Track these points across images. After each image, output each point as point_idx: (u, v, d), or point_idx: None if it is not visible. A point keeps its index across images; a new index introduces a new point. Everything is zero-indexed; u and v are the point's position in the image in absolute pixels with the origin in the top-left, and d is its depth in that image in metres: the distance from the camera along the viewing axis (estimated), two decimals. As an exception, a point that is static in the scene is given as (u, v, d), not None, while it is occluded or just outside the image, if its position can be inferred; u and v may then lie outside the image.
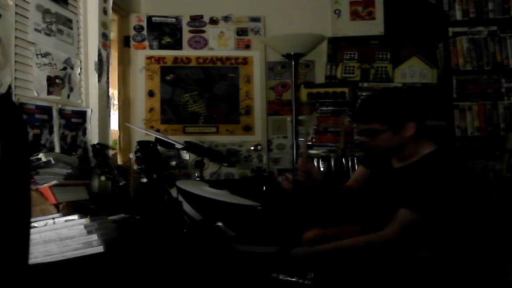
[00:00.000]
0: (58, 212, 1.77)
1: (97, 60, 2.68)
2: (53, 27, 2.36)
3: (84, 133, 2.60)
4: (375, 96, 2.01)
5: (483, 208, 1.81)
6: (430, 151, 1.78)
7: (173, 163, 3.20)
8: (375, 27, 3.44)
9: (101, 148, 2.51)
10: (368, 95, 2.08)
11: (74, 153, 2.43)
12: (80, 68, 2.60)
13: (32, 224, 1.37)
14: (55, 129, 2.32)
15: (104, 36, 2.76)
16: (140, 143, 1.99)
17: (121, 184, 2.34)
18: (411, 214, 1.69)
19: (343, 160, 3.25)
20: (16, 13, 2.07)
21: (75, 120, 2.52)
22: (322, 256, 1.74)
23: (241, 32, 3.54)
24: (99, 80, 2.69)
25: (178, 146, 2.49)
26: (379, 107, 1.80)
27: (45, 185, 1.86)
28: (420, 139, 1.81)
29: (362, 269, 1.73)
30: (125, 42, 3.48)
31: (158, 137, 2.36)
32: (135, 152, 1.97)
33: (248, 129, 3.50)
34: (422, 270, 1.72)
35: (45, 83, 2.29)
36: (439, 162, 1.75)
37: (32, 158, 1.84)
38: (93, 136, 2.64)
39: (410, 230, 1.70)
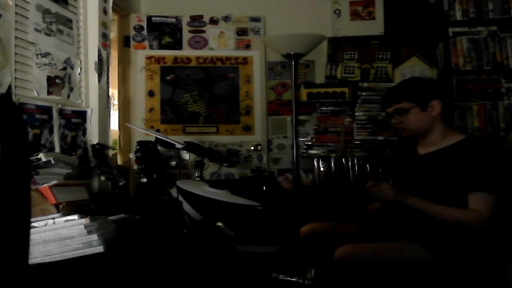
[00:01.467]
0: (58, 212, 1.77)
1: (97, 60, 2.68)
2: (53, 27, 2.36)
3: (84, 133, 2.60)
4: (402, 81, 2.15)
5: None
6: (467, 136, 1.91)
7: (173, 163, 3.20)
8: (375, 27, 3.44)
9: (101, 148, 2.51)
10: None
11: (74, 153, 2.43)
12: (80, 68, 2.60)
13: (32, 224, 1.37)
14: (55, 129, 2.32)
15: (104, 36, 2.76)
16: (140, 143, 1.99)
17: (121, 184, 2.34)
18: (490, 197, 1.73)
19: (343, 160, 3.25)
20: (16, 13, 2.07)
21: (75, 120, 2.52)
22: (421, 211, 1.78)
23: (241, 32, 3.54)
24: (99, 80, 2.70)
25: (178, 146, 2.49)
26: (405, 87, 1.99)
27: (45, 185, 1.86)
28: (448, 125, 1.94)
29: (363, 270, 1.73)
30: (125, 42, 3.48)
31: (158, 137, 2.36)
32: (135, 152, 1.97)
33: (248, 129, 3.50)
34: (423, 271, 1.72)
35: (45, 83, 2.29)
36: (486, 144, 1.87)
37: (32, 158, 1.84)
38: (93, 136, 2.64)
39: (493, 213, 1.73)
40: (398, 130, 1.98)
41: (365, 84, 3.27)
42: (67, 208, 1.85)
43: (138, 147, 1.97)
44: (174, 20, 3.50)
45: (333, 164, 3.27)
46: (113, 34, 3.15)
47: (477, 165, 1.76)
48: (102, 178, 2.49)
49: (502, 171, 1.79)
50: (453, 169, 1.79)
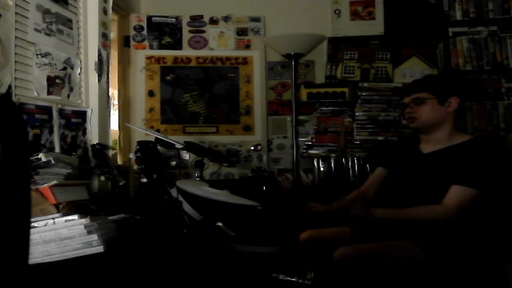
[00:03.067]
0: (58, 212, 1.77)
1: (97, 60, 2.68)
2: (53, 27, 2.36)
3: (84, 133, 2.60)
4: (427, 75, 2.26)
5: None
6: (473, 137, 1.96)
7: (173, 163, 3.20)
8: (375, 27, 3.44)
9: (101, 148, 2.51)
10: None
11: (74, 153, 2.43)
12: (80, 68, 2.60)
13: (32, 224, 1.37)
14: (55, 129, 2.32)
15: (104, 36, 2.76)
16: (140, 143, 1.99)
17: (121, 184, 2.34)
18: (465, 190, 1.75)
19: (343, 160, 3.25)
20: (16, 13, 2.07)
21: (75, 120, 2.52)
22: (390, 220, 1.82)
23: (241, 32, 3.54)
24: (99, 80, 2.69)
25: (178, 146, 2.49)
26: (429, 79, 2.07)
27: (45, 185, 1.85)
28: (456, 125, 1.96)
29: (362, 270, 1.73)
30: (125, 42, 3.48)
31: (158, 137, 2.36)
32: (135, 152, 1.96)
33: (248, 129, 3.50)
34: (422, 271, 1.72)
35: (45, 83, 2.29)
36: (490, 144, 1.88)
37: (32, 158, 1.84)
38: (93, 136, 2.64)
39: (467, 206, 1.76)
40: (410, 120, 1.98)
41: (365, 84, 3.27)
42: (67, 208, 1.85)
43: (138, 147, 1.96)
44: (174, 20, 3.50)
45: (333, 164, 3.27)
46: (113, 34, 3.15)
47: (468, 162, 1.78)
48: (102, 178, 2.49)
49: (496, 170, 1.78)
50: (454, 168, 1.79)
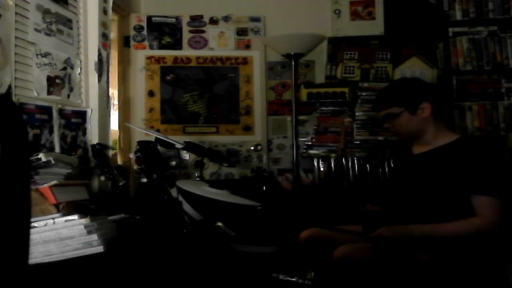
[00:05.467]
0: (58, 212, 1.77)
1: (97, 60, 2.68)
2: (53, 27, 2.36)
3: (84, 133, 2.60)
4: (390, 84, 2.14)
5: None
6: (460, 137, 1.88)
7: (173, 163, 3.20)
8: (375, 27, 3.44)
9: (101, 148, 2.51)
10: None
11: (74, 153, 2.43)
12: (80, 68, 2.60)
13: (32, 224, 1.37)
14: (55, 129, 2.32)
15: (104, 36, 2.76)
16: (140, 143, 1.99)
17: (121, 184, 2.34)
18: (494, 201, 1.70)
19: (343, 160, 3.25)
20: (16, 13, 2.07)
21: (75, 120, 2.52)
22: (417, 241, 1.73)
23: (241, 32, 3.54)
24: (99, 80, 2.69)
25: (178, 146, 2.49)
26: (393, 91, 1.98)
27: (45, 185, 1.86)
28: (442, 125, 1.92)
29: (363, 271, 1.73)
30: (125, 42, 3.48)
31: (158, 137, 2.36)
32: (135, 152, 1.97)
33: (248, 129, 3.50)
34: (422, 271, 1.72)
35: (45, 83, 2.29)
36: (479, 145, 1.83)
37: (32, 158, 1.84)
38: (93, 136, 2.64)
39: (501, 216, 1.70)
40: (392, 134, 1.99)
41: (365, 84, 3.27)
42: (67, 208, 1.85)
43: (138, 147, 1.97)
44: (174, 20, 3.50)
45: (333, 164, 3.27)
46: (113, 34, 3.15)
47: (477, 167, 1.74)
48: (102, 178, 2.49)
49: (502, 173, 1.78)
50: (444, 169, 1.78)
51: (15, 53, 2.07)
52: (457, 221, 1.73)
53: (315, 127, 3.33)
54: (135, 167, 2.91)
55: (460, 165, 1.75)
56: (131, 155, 2.79)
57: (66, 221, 1.41)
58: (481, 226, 1.70)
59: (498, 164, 1.81)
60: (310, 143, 3.32)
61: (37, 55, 2.23)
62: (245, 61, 3.51)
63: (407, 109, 1.87)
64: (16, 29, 2.08)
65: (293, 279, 1.56)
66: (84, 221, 1.41)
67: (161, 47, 3.48)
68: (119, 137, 3.40)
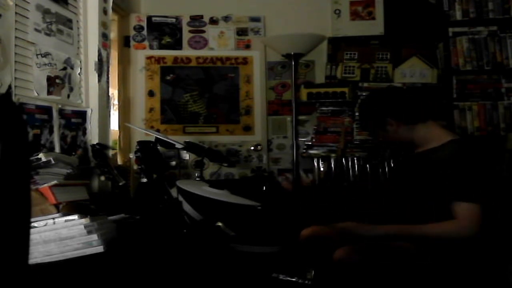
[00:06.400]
0: (58, 212, 1.77)
1: (97, 60, 2.68)
2: (53, 27, 2.36)
3: (84, 133, 2.60)
4: (358, 107, 2.20)
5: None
6: (452, 139, 1.84)
7: (173, 163, 3.20)
8: (375, 27, 3.44)
9: (101, 148, 2.51)
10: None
11: (74, 153, 2.43)
12: (80, 68, 2.59)
13: (32, 224, 1.37)
14: (55, 129, 2.32)
15: (104, 36, 2.76)
16: (140, 143, 1.99)
17: (121, 184, 2.34)
18: (472, 207, 1.68)
19: (343, 160, 3.25)
20: (16, 13, 2.07)
21: (75, 120, 2.52)
22: (388, 237, 1.76)
23: (241, 32, 3.54)
24: (99, 80, 2.69)
25: (178, 146, 2.49)
26: (361, 115, 2.14)
27: (45, 185, 1.85)
28: (430, 126, 1.89)
29: (363, 271, 1.73)
30: (125, 42, 3.48)
31: (158, 137, 2.36)
32: (135, 152, 1.97)
33: (248, 129, 3.50)
34: (421, 272, 1.72)
35: (45, 83, 2.29)
36: (472, 148, 1.81)
37: (32, 158, 1.84)
38: (93, 136, 2.64)
39: (479, 222, 1.69)
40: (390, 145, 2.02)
41: (365, 84, 3.27)
42: (67, 208, 1.85)
43: (138, 147, 1.97)
44: (174, 20, 3.50)
45: (333, 164, 3.27)
46: (113, 34, 3.15)
47: (456, 174, 1.73)
48: (102, 178, 2.49)
49: (486, 178, 1.74)
50: (429, 173, 1.79)
51: (15, 53, 2.07)
52: (430, 224, 1.73)
53: (315, 127, 3.33)
54: (135, 167, 2.91)
55: (441, 170, 1.74)
56: (131, 155, 2.79)
57: (66, 221, 1.41)
58: (453, 231, 1.70)
59: (482, 168, 1.76)
60: (310, 143, 3.33)
61: (37, 55, 2.23)
62: (245, 61, 3.51)
63: (377, 127, 1.94)
64: (16, 29, 2.08)
65: (293, 279, 1.55)
66: (84, 221, 1.41)
67: (161, 47, 3.48)
68: (119, 137, 3.40)
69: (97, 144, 2.55)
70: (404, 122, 1.88)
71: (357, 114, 3.24)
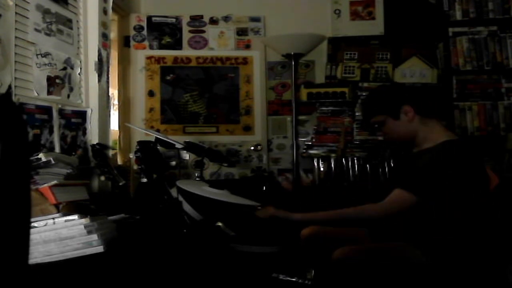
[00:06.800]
0: (58, 212, 1.77)
1: (97, 60, 2.68)
2: (53, 27, 2.36)
3: (84, 133, 2.60)
4: (368, 95, 2.16)
5: (484, 208, 1.82)
6: (449, 139, 1.84)
7: (173, 163, 3.20)
8: (375, 27, 3.44)
9: (101, 148, 2.51)
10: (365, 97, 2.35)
11: (74, 153, 2.43)
12: (80, 68, 2.59)
13: (32, 224, 1.37)
14: (55, 129, 2.32)
15: (104, 36, 2.76)
16: (140, 143, 1.99)
17: (121, 184, 2.34)
18: (403, 193, 1.75)
19: (343, 160, 3.25)
20: (16, 13, 2.07)
21: (75, 120, 2.52)
22: (316, 222, 1.88)
23: (241, 32, 3.54)
24: (99, 80, 2.69)
25: (178, 146, 2.49)
26: (373, 100, 2.03)
27: (45, 185, 1.85)
28: (434, 126, 1.89)
29: (361, 271, 1.73)
30: (125, 42, 3.48)
31: (158, 137, 2.36)
32: (135, 152, 1.97)
33: (248, 129, 3.50)
34: (421, 272, 1.72)
35: (45, 83, 2.29)
36: (450, 149, 1.79)
37: (32, 158, 1.84)
38: (93, 136, 2.64)
39: (401, 209, 1.76)
40: (386, 142, 2.00)
41: (365, 84, 3.27)
42: (67, 208, 1.85)
43: (138, 147, 1.97)
44: (174, 20, 3.50)
45: (333, 164, 3.27)
46: (113, 34, 3.15)
47: (417, 167, 1.77)
48: (102, 178, 2.49)
49: (439, 178, 1.72)
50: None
51: (15, 53, 2.07)
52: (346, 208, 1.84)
53: (315, 127, 3.34)
54: (135, 167, 2.91)
55: (414, 168, 1.79)
56: (131, 155, 2.79)
57: (66, 221, 1.41)
58: (371, 210, 1.80)
59: (454, 169, 1.73)
60: (310, 143, 3.33)
61: (37, 55, 2.23)
62: (245, 61, 3.51)
63: (390, 115, 1.89)
64: (16, 29, 2.08)
65: (293, 279, 1.56)
66: (84, 221, 1.41)
67: (161, 47, 3.48)
68: (119, 137, 3.40)
69: (97, 144, 2.54)
70: (421, 112, 1.87)
71: (357, 113, 3.24)
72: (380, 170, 3.18)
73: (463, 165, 1.75)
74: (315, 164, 3.32)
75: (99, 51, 2.69)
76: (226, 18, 3.53)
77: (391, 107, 1.89)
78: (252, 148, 3.47)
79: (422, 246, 1.75)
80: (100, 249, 1.40)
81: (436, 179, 1.72)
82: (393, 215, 1.77)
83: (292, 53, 3.26)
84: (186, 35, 3.51)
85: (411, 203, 1.74)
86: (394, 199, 1.76)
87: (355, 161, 3.24)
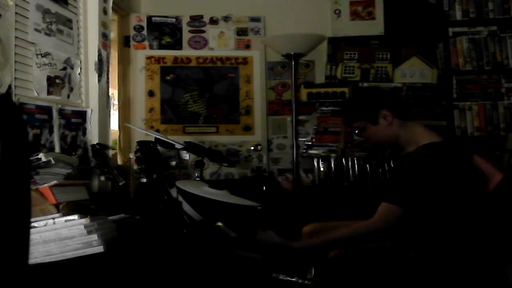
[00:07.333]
0: (58, 212, 1.77)
1: (97, 60, 2.68)
2: (53, 27, 2.36)
3: (84, 133, 2.60)
4: (348, 99, 2.15)
5: (479, 208, 1.81)
6: (429, 142, 1.80)
7: (173, 163, 3.20)
8: (375, 27, 3.44)
9: (101, 148, 2.51)
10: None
11: (74, 153, 2.43)
12: (80, 68, 2.59)
13: (32, 224, 1.37)
14: (55, 129, 2.32)
15: (104, 36, 2.76)
16: (140, 143, 1.99)
17: (121, 184, 2.34)
18: (389, 207, 1.71)
19: (343, 160, 3.25)
20: (16, 13, 2.07)
21: (75, 120, 2.52)
22: (317, 250, 1.80)
23: (241, 32, 3.54)
24: (99, 80, 2.69)
25: (178, 146, 2.49)
26: (352, 107, 2.06)
27: (45, 185, 1.85)
28: (415, 127, 1.87)
29: (361, 272, 1.74)
30: (125, 42, 3.48)
31: (158, 137, 2.36)
32: (135, 152, 1.97)
33: (248, 129, 3.50)
34: (421, 271, 1.72)
35: (45, 83, 2.29)
36: (428, 152, 1.75)
37: (32, 158, 1.84)
38: (93, 136, 2.64)
39: (395, 222, 1.71)
40: (372, 146, 1.98)
41: (365, 84, 3.27)
42: (67, 208, 1.85)
43: (138, 147, 1.97)
44: (174, 20, 3.50)
45: (333, 164, 3.27)
46: (113, 34, 3.15)
47: (395, 176, 1.77)
48: (102, 178, 2.49)
49: (417, 185, 1.71)
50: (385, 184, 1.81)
51: (15, 53, 2.07)
52: (342, 228, 1.78)
53: (315, 127, 3.33)
54: (135, 167, 2.91)
55: (392, 178, 1.78)
56: (131, 155, 2.79)
57: (66, 221, 1.41)
58: (363, 228, 1.74)
59: (429, 174, 1.72)
60: (310, 143, 3.32)
61: (37, 55, 2.23)
62: (245, 61, 3.51)
63: (368, 121, 1.88)
64: (16, 29, 2.08)
65: (293, 279, 1.56)
66: (84, 221, 1.41)
67: (161, 47, 3.48)
68: (119, 137, 3.40)
69: (97, 144, 2.55)
70: (399, 115, 1.85)
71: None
72: (380, 170, 3.18)
73: (442, 167, 1.72)
74: (315, 164, 3.32)
75: (99, 51, 2.69)
76: (226, 18, 3.53)
77: (368, 112, 1.88)
78: (252, 148, 3.47)
79: (416, 246, 1.75)
80: (100, 249, 1.40)
81: (416, 186, 1.70)
82: (387, 230, 1.72)
83: (292, 53, 3.26)
84: (186, 35, 3.51)
85: (399, 215, 1.69)
86: (382, 214, 1.71)
87: (355, 161, 3.24)
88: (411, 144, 1.84)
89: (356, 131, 1.96)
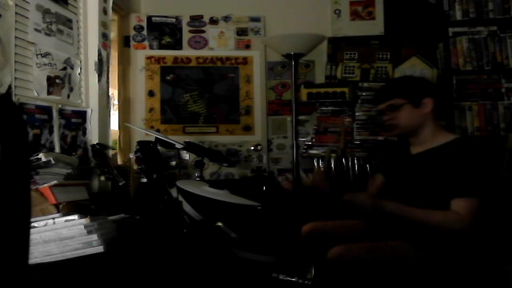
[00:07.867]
0: (58, 212, 1.77)
1: (97, 60, 2.68)
2: (53, 27, 2.36)
3: (84, 133, 2.60)
4: (394, 78, 2.15)
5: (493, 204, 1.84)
6: (457, 137, 1.88)
7: (173, 163, 3.20)
8: (375, 27, 3.44)
9: (101, 148, 2.51)
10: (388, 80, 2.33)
11: (74, 153, 2.43)
12: (80, 68, 2.59)
13: (32, 224, 1.37)
14: (55, 129, 2.32)
15: (104, 36, 2.76)
16: (140, 143, 1.99)
17: (121, 184, 2.34)
18: (472, 201, 1.70)
19: (343, 160, 3.25)
20: (16, 13, 2.07)
21: (75, 120, 2.52)
22: (397, 215, 1.77)
23: (241, 32, 3.54)
24: (99, 80, 2.69)
25: (178, 146, 2.49)
26: (399, 84, 2.06)
27: (45, 185, 1.85)
28: (440, 125, 1.93)
29: (362, 271, 1.73)
30: (125, 42, 3.48)
31: (158, 137, 2.36)
32: (135, 152, 1.97)
33: (248, 129, 3.50)
34: (421, 271, 1.72)
35: (45, 83, 2.29)
36: (475, 145, 1.82)
37: (32, 158, 1.84)
38: (93, 136, 2.64)
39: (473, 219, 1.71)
40: (389, 127, 1.96)
41: (365, 84, 3.27)
42: (67, 208, 1.85)
43: (138, 147, 1.97)
44: (174, 20, 3.50)
45: (333, 164, 3.27)
46: (113, 34, 3.15)
47: (461, 170, 1.74)
48: (102, 178, 2.49)
49: (486, 173, 1.77)
50: (440, 171, 1.78)
51: (15, 53, 2.07)
52: (435, 210, 1.74)
53: (315, 127, 3.34)
54: (135, 167, 2.91)
55: (452, 166, 1.76)
56: (131, 155, 2.79)
57: (66, 221, 1.41)
58: (453, 221, 1.71)
59: (485, 165, 1.79)
60: (310, 143, 3.32)
61: (37, 55, 2.23)
62: (245, 61, 3.51)
63: (411, 102, 1.89)
64: (16, 29, 2.08)
65: (293, 279, 1.56)
66: (84, 221, 1.41)
67: (161, 47, 3.48)
68: (119, 137, 3.40)
69: (97, 144, 2.55)
70: (437, 110, 1.89)
71: (357, 113, 3.23)
72: (372, 165, 3.18)
73: (489, 159, 1.81)
74: (315, 164, 3.32)
75: (99, 51, 2.69)
76: (226, 18, 3.53)
77: (415, 94, 1.90)
78: (252, 148, 3.47)
79: (420, 246, 1.75)
80: (100, 249, 1.40)
81: (486, 175, 1.76)
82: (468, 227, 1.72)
83: (292, 53, 3.26)
84: (186, 35, 3.51)
85: (477, 208, 1.70)
86: (470, 210, 1.69)
87: (355, 161, 3.24)
88: (434, 140, 1.87)
89: (388, 109, 1.92)
